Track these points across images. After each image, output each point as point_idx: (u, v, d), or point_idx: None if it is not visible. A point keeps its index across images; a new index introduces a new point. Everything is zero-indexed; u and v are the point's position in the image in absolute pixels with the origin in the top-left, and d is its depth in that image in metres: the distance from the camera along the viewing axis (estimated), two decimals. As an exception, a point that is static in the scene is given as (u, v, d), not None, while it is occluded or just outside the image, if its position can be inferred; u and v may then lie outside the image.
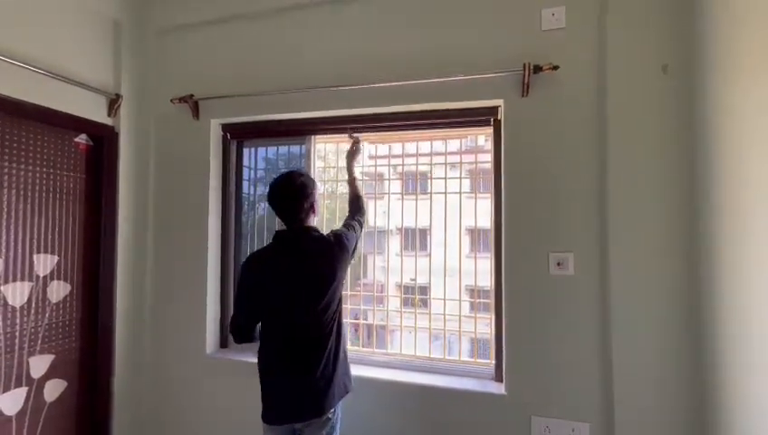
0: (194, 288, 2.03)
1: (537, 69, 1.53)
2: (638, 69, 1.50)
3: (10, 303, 1.65)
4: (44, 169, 1.78)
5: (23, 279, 1.69)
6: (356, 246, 1.56)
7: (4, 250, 1.63)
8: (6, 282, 1.64)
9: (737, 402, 1.21)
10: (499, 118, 1.70)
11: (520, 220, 1.62)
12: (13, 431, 1.64)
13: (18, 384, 1.66)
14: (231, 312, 2.10)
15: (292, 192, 1.42)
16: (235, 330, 1.46)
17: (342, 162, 2.17)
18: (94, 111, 1.93)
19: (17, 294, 1.67)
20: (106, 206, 1.98)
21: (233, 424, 1.92)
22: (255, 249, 2.12)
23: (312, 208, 1.46)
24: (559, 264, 1.57)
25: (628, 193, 1.49)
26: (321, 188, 1.61)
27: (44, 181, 1.78)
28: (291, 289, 1.39)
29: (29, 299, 1.71)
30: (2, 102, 1.58)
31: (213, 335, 2.05)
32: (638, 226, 1.48)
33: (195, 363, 2.02)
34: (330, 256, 1.43)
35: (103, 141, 1.98)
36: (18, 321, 1.67)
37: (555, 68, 1.52)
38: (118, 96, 1.99)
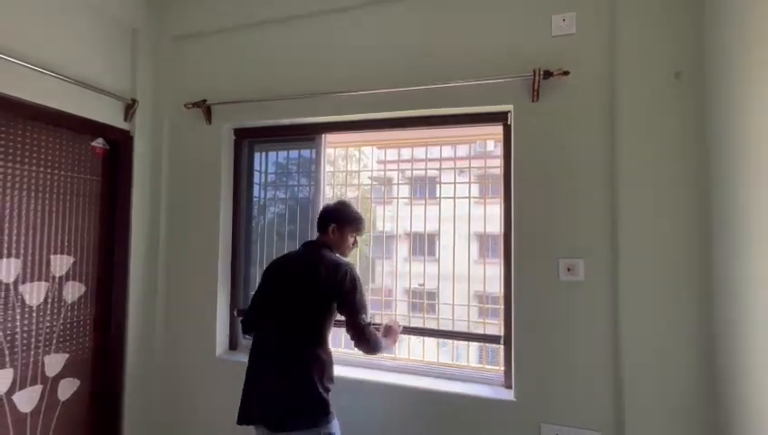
0: (204, 290, 2.06)
1: (547, 74, 1.53)
2: (649, 74, 1.49)
3: (27, 302, 1.69)
4: (62, 172, 1.83)
5: (39, 279, 1.73)
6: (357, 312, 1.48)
7: (22, 251, 1.67)
8: (24, 282, 1.68)
9: (754, 416, 1.18)
10: (509, 123, 1.70)
11: (529, 225, 1.61)
12: (27, 428, 1.67)
13: (33, 382, 1.69)
14: (241, 314, 2.12)
15: (328, 209, 1.63)
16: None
17: (351, 167, 2.19)
18: (111, 115, 1.98)
19: (34, 294, 1.71)
20: (120, 209, 2.02)
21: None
22: (266, 252, 2.15)
23: (333, 232, 1.57)
24: (569, 269, 1.56)
25: (639, 199, 1.48)
26: (353, 238, 1.59)
27: (62, 184, 1.82)
28: (283, 291, 1.49)
29: (45, 299, 1.75)
30: (21, 106, 1.62)
31: (223, 337, 2.07)
32: (650, 231, 1.47)
33: (205, 365, 2.04)
34: (329, 281, 1.44)
35: (119, 145, 2.03)
36: (35, 320, 1.71)
37: (566, 73, 1.52)
38: (134, 101, 2.04)
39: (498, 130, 1.77)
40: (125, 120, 2.05)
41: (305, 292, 1.45)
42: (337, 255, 1.56)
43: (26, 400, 1.67)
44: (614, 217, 1.51)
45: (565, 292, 1.56)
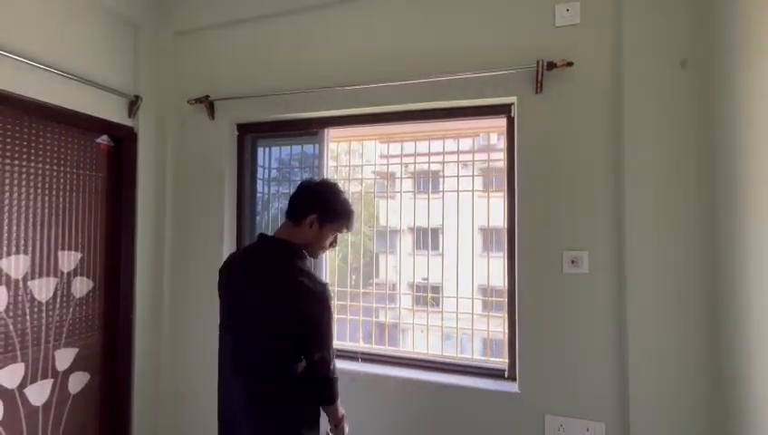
0: (210, 285, 2.07)
1: (551, 65, 1.52)
2: (655, 63, 1.47)
3: (36, 298, 1.71)
4: (68, 169, 1.84)
5: (48, 275, 1.76)
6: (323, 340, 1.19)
7: (30, 247, 1.69)
8: (33, 278, 1.70)
9: (760, 406, 1.18)
10: (512, 115, 1.69)
11: (533, 218, 1.61)
12: (39, 421, 1.70)
13: (44, 376, 1.72)
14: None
15: (311, 192, 1.25)
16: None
17: (354, 161, 2.19)
18: (115, 112, 1.99)
19: (43, 289, 1.74)
20: (126, 205, 2.04)
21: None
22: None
23: (310, 226, 1.21)
24: (573, 262, 1.55)
25: (645, 190, 1.47)
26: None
27: (68, 181, 1.84)
28: (239, 304, 1.19)
29: (54, 294, 1.78)
30: (27, 104, 1.64)
31: (228, 331, 2.09)
32: (656, 223, 1.46)
33: (211, 360, 2.06)
34: (294, 308, 1.13)
35: (123, 142, 2.04)
36: (44, 315, 1.74)
37: (569, 64, 1.51)
38: (137, 97, 2.05)
39: (501, 122, 1.76)
40: (129, 116, 2.06)
41: (263, 317, 1.14)
42: (307, 264, 1.22)
43: (38, 393, 1.70)
44: (619, 208, 1.51)
45: (569, 284, 1.56)
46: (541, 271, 1.59)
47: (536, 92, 1.59)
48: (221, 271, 1.30)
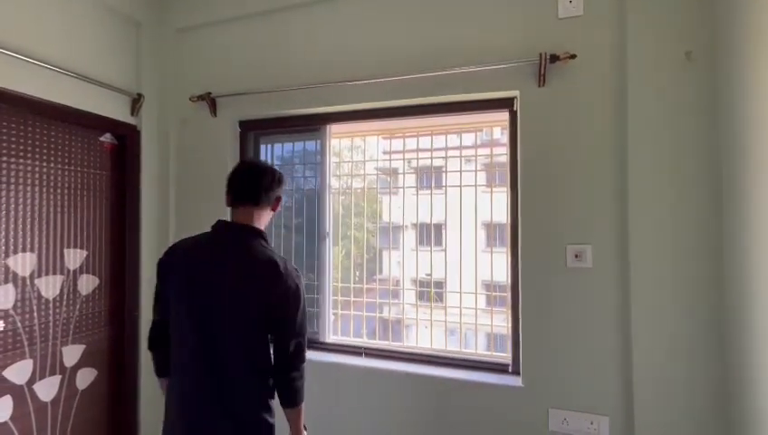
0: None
1: (554, 58, 1.51)
2: (659, 55, 1.45)
3: (43, 295, 1.73)
4: (72, 168, 1.85)
5: (54, 273, 1.77)
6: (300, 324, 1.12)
7: (36, 245, 1.71)
8: (40, 275, 1.72)
9: (765, 402, 1.17)
10: (515, 109, 1.68)
11: (537, 212, 1.60)
12: (48, 416, 1.73)
13: (53, 372, 1.75)
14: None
15: (270, 170, 1.20)
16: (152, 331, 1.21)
17: (356, 157, 2.19)
18: (118, 110, 2.00)
19: (50, 286, 1.76)
20: (130, 202, 2.05)
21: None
22: (273, 243, 2.17)
23: (273, 207, 1.21)
24: (577, 256, 1.55)
25: (649, 184, 1.46)
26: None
27: (73, 179, 1.85)
28: (205, 300, 1.08)
29: (61, 292, 1.79)
30: (32, 104, 1.65)
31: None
32: (660, 217, 1.45)
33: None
34: (280, 284, 1.08)
35: (127, 140, 2.05)
36: (51, 312, 1.76)
37: (573, 57, 1.50)
38: (140, 96, 2.05)
39: (504, 116, 1.75)
40: (132, 114, 2.06)
41: (238, 308, 1.07)
42: (272, 249, 1.16)
43: (46, 389, 1.72)
44: (623, 202, 1.50)
45: (573, 279, 1.55)
46: (544, 265, 1.59)
47: (539, 86, 1.58)
48: (167, 260, 1.15)
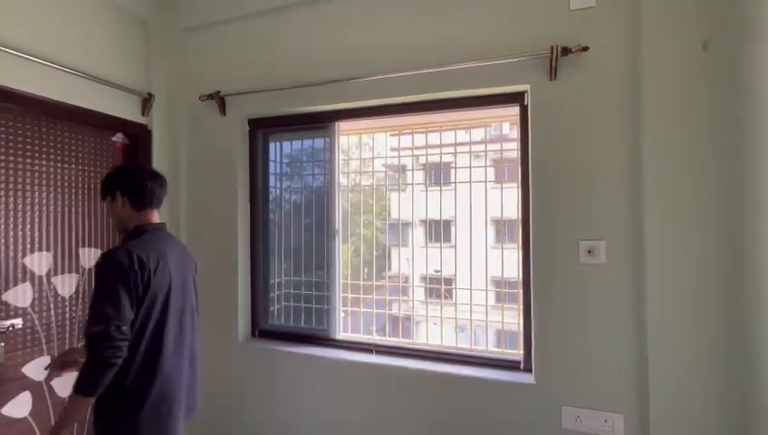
0: (225, 280, 2.11)
1: (566, 51, 1.48)
2: (675, 46, 1.41)
3: (60, 293, 1.77)
4: (86, 168, 1.88)
5: (70, 271, 1.81)
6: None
7: (52, 244, 1.74)
8: (56, 274, 1.75)
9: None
10: (526, 103, 1.66)
11: (548, 208, 1.58)
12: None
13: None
14: (261, 305, 2.17)
15: (163, 178, 1.41)
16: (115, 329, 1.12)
17: (365, 154, 2.18)
18: (129, 110, 2.02)
19: (66, 285, 1.79)
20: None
21: (262, 406, 2.00)
22: (284, 242, 2.18)
23: None
24: (590, 252, 1.52)
25: (664, 177, 1.43)
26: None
27: (86, 179, 1.88)
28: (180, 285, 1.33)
29: (76, 290, 1.83)
30: (45, 105, 1.67)
31: (244, 324, 2.12)
32: (677, 211, 1.42)
33: (227, 351, 2.10)
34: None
35: (138, 139, 2.07)
36: (68, 310, 1.79)
37: (585, 49, 1.47)
38: (150, 95, 2.07)
39: (514, 111, 1.72)
40: (142, 114, 2.09)
41: (192, 286, 1.42)
42: None
43: (63, 385, 1.76)
44: (637, 197, 1.47)
45: (586, 275, 1.53)
46: (556, 261, 1.57)
47: (550, 79, 1.55)
48: (146, 263, 1.21)
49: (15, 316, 1.60)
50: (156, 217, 1.37)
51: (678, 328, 1.41)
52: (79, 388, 1.14)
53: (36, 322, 1.67)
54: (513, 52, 1.58)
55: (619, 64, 1.49)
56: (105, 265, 1.18)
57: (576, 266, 1.54)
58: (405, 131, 2.08)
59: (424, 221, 2.08)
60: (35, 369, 1.65)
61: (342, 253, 2.08)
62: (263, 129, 2.17)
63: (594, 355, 1.52)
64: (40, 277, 1.69)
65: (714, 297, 1.38)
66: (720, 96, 1.37)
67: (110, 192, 1.33)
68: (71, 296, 1.81)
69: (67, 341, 1.78)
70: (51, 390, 1.71)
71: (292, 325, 2.15)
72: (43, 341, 1.69)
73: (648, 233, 1.44)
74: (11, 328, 1.56)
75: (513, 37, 1.60)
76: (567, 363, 1.55)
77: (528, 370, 1.67)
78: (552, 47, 1.49)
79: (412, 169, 2.07)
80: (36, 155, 1.69)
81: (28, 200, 1.67)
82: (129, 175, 1.35)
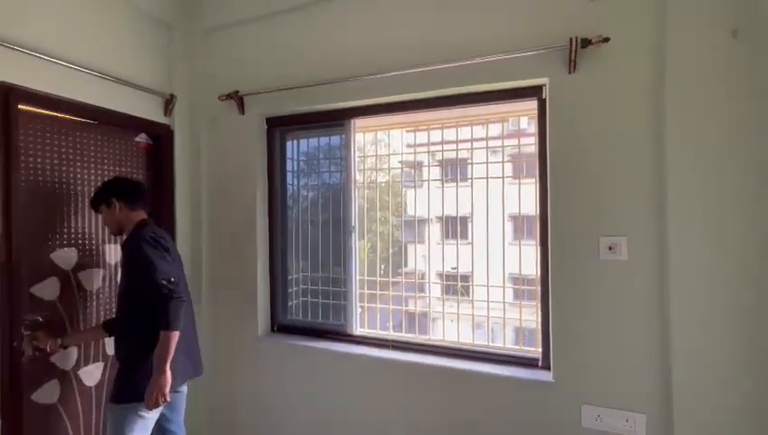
0: (245, 276, 2.14)
1: (585, 42, 1.45)
2: (701, 35, 1.37)
3: (85, 287, 1.83)
4: (111, 168, 1.94)
5: (95, 267, 1.88)
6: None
7: (79, 241, 1.81)
8: (82, 269, 1.82)
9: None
10: (544, 97, 1.63)
11: (567, 203, 1.56)
12: (93, 399, 1.84)
13: (96, 359, 1.86)
14: (279, 300, 2.20)
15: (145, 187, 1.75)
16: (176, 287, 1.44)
17: (381, 151, 2.19)
18: (152, 111, 2.08)
19: (91, 279, 1.86)
20: (165, 201, 2.13)
21: (280, 399, 2.03)
22: (302, 238, 2.21)
23: None
24: (611, 248, 1.49)
25: (688, 171, 1.39)
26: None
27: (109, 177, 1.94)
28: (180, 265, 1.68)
29: (102, 284, 1.90)
30: (74, 107, 1.74)
31: (264, 319, 2.16)
32: (701, 207, 1.37)
33: (248, 345, 2.14)
34: None
35: (161, 139, 2.13)
36: (93, 303, 1.86)
37: (606, 40, 1.44)
38: (172, 96, 2.13)
39: (531, 105, 1.70)
40: (165, 114, 2.14)
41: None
42: None
43: (90, 375, 1.83)
44: (661, 192, 1.43)
45: (607, 272, 1.50)
46: (576, 258, 1.54)
47: (569, 72, 1.53)
48: (167, 248, 1.55)
49: (44, 309, 1.66)
50: (144, 214, 1.63)
51: (704, 328, 1.37)
52: (167, 326, 1.40)
53: (63, 313, 1.74)
54: (531, 44, 1.56)
55: (642, 54, 1.45)
56: (139, 245, 1.47)
57: (596, 263, 1.51)
58: (421, 128, 2.08)
59: (440, 218, 2.08)
60: (63, 359, 1.73)
61: (359, 249, 2.09)
62: (280, 127, 2.20)
63: (615, 354, 1.49)
64: (66, 272, 1.76)
65: (740, 296, 1.34)
66: (749, 87, 1.32)
67: (106, 201, 1.59)
68: (96, 290, 1.87)
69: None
70: (78, 379, 1.78)
71: (310, 320, 2.17)
72: (70, 332, 1.76)
73: (671, 229, 1.40)
74: (40, 319, 1.63)
75: (530, 29, 1.58)
76: (587, 362, 1.52)
77: (547, 367, 1.64)
78: (571, 39, 1.46)
79: (428, 166, 2.06)
80: (63, 156, 1.76)
81: (57, 200, 1.73)
82: (121, 183, 1.64)
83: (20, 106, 1.55)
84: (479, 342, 1.85)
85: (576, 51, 1.47)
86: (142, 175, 2.08)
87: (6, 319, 1.49)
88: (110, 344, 1.90)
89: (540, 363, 1.67)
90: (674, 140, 1.40)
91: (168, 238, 1.60)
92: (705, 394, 1.36)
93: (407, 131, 2.15)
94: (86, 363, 1.82)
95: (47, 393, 1.67)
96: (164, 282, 1.41)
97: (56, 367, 1.70)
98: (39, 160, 1.67)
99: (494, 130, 1.94)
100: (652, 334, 1.45)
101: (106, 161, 1.92)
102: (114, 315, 1.70)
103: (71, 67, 1.68)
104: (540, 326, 1.69)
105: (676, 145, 1.40)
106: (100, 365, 1.87)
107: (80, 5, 1.76)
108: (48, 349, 1.58)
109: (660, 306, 1.43)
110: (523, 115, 1.85)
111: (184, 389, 1.68)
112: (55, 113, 1.71)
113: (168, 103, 2.13)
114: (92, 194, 1.65)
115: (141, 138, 2.08)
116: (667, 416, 1.41)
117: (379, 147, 2.20)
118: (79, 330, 1.76)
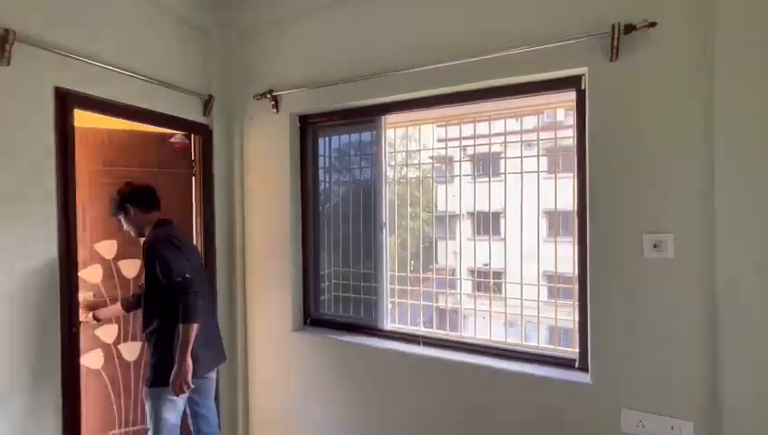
0: (278, 272, 2.20)
1: (629, 28, 1.37)
2: (757, 16, 1.26)
3: (124, 274, 2.03)
4: (151, 168, 2.06)
5: (132, 257, 2.03)
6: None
7: (119, 234, 1.94)
8: (121, 258, 2.02)
9: None
10: (583, 87, 1.56)
11: (608, 198, 1.49)
12: (131, 373, 2.05)
13: (134, 338, 2.05)
14: (312, 295, 2.24)
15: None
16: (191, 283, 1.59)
17: (411, 146, 2.18)
18: (193, 111, 2.17)
19: (130, 268, 2.04)
20: (204, 197, 2.22)
21: (312, 391, 2.08)
22: (333, 235, 2.24)
23: None
24: (655, 246, 1.41)
25: (739, 165, 1.29)
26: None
27: (150, 177, 2.02)
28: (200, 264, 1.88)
29: (138, 272, 2.04)
30: (123, 110, 1.85)
31: (297, 313, 2.21)
32: (752, 203, 1.27)
33: (279, 341, 2.20)
34: None
35: (201, 139, 2.22)
36: (131, 289, 2.03)
37: (652, 25, 1.35)
38: (211, 96, 2.21)
39: (568, 96, 1.63)
40: (204, 114, 2.23)
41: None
42: None
43: (129, 351, 2.04)
44: (710, 187, 1.33)
45: (651, 271, 1.42)
46: (617, 256, 1.47)
47: (611, 60, 1.45)
48: (181, 247, 1.70)
49: (90, 289, 1.95)
50: (158, 214, 1.78)
51: (756, 331, 1.27)
52: (187, 318, 1.55)
53: (105, 295, 1.98)
54: (569, 32, 1.49)
55: (691, 40, 1.36)
56: (154, 247, 1.63)
57: (639, 261, 1.44)
58: (452, 122, 2.05)
59: (472, 213, 2.04)
60: (105, 333, 1.99)
61: (390, 245, 2.09)
62: (313, 124, 2.23)
63: (659, 356, 1.41)
64: (108, 260, 2.00)
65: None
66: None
67: (123, 208, 1.73)
68: (134, 277, 2.04)
69: (131, 314, 2.00)
70: (119, 353, 2.02)
71: (342, 314, 2.20)
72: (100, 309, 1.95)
73: (720, 226, 1.31)
74: (86, 298, 1.91)
75: (568, 15, 1.51)
76: (628, 364, 1.45)
77: (584, 369, 1.58)
78: (613, 25, 1.39)
79: (460, 161, 2.03)
80: (108, 160, 1.94)
81: (99, 198, 1.91)
82: (135, 191, 1.76)
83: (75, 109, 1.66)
84: (512, 340, 1.81)
85: (618, 37, 1.40)
86: (179, 174, 2.17)
87: (66, 303, 1.64)
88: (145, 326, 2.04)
89: (577, 364, 1.61)
90: (724, 132, 1.30)
91: (182, 238, 1.75)
92: (759, 404, 1.27)
93: (438, 126, 2.12)
94: (125, 340, 2.03)
95: (92, 360, 1.95)
96: (179, 279, 1.56)
97: (100, 340, 1.98)
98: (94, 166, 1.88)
99: (529, 122, 1.88)
100: (700, 336, 1.36)
101: (147, 161, 2.06)
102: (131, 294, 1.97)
103: (124, 74, 1.81)
104: (577, 326, 1.63)
105: (725, 137, 1.30)
106: (137, 344, 2.05)
107: (136, 21, 1.92)
108: (84, 319, 1.82)
109: (709, 307, 1.34)
110: (560, 107, 1.79)
111: (212, 375, 1.81)
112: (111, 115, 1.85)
113: (207, 104, 2.22)
114: (110, 204, 1.80)
115: (176, 138, 2.18)
116: (716, 424, 1.33)
117: (409, 142, 2.19)
118: (107, 306, 1.96)
